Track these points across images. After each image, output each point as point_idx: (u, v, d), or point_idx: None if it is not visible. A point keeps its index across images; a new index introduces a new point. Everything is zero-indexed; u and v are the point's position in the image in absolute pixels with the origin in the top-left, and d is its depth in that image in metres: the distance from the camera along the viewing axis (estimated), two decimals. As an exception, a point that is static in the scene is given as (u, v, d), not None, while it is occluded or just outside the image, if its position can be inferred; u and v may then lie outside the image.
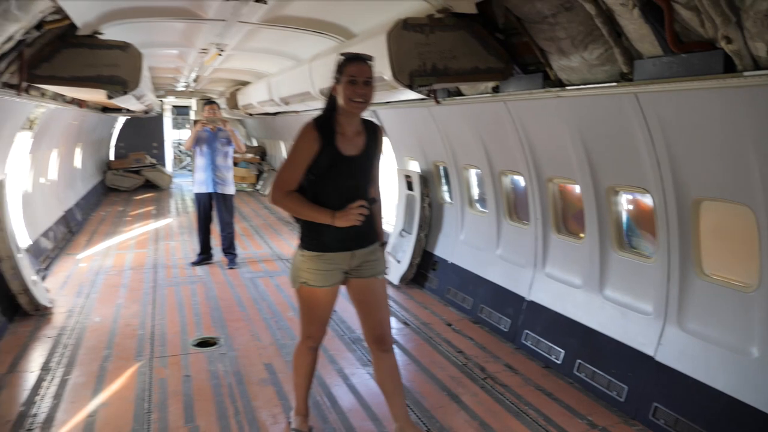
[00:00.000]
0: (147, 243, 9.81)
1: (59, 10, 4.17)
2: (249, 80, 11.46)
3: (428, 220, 7.11)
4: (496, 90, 4.93)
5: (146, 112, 11.36)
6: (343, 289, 3.50)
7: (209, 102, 8.27)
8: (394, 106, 6.69)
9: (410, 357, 5.01)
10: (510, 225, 5.75)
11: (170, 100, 19.23)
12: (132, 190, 17.04)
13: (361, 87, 3.14)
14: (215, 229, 8.18)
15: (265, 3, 4.99)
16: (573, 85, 4.11)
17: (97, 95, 6.45)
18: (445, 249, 6.84)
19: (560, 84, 4.21)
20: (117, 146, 18.94)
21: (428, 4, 4.50)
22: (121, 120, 17.34)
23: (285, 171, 3.22)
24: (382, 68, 4.21)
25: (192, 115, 19.50)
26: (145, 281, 7.36)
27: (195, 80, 11.86)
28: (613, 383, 4.10)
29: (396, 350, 3.54)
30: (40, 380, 4.50)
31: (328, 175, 3.20)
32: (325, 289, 3.34)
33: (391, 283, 6.93)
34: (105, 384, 4.44)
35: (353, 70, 3.14)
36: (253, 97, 11.11)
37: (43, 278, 7.12)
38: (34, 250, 7.58)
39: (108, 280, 7.39)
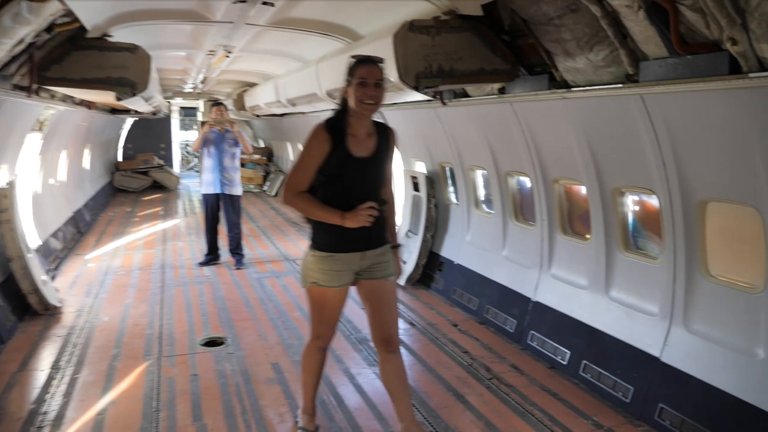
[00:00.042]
0: (155, 243, 9.88)
1: (69, 13, 4.22)
2: (256, 82, 11.52)
3: (434, 220, 7.13)
4: (502, 91, 4.95)
5: (154, 113, 11.44)
6: (351, 289, 3.52)
7: (217, 103, 8.32)
8: (400, 107, 6.71)
9: (416, 357, 5.03)
10: (516, 226, 5.76)
11: (178, 102, 19.38)
12: (140, 191, 17.13)
13: (372, 89, 3.17)
14: (222, 229, 8.23)
15: (273, 5, 5.04)
16: (579, 86, 4.13)
17: (106, 97, 6.53)
18: (451, 250, 6.86)
19: (566, 85, 4.23)
20: (125, 147, 19.05)
21: (434, 6, 4.53)
22: (129, 121, 17.45)
23: (296, 172, 3.26)
24: (388, 70, 4.20)
25: (199, 117, 19.62)
26: (153, 281, 7.42)
27: (202, 82, 11.94)
28: (619, 384, 4.11)
29: (402, 350, 3.56)
30: (50, 378, 4.55)
31: (338, 176, 3.23)
32: (335, 290, 3.36)
33: (397, 284, 6.94)
34: (114, 382, 4.48)
35: (364, 72, 3.17)
36: (260, 98, 11.18)
37: (53, 278, 7.19)
38: (44, 251, 7.65)
39: (116, 280, 7.45)
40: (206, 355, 5.06)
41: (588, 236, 4.79)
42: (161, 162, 18.70)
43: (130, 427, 3.82)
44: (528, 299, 5.34)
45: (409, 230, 7.44)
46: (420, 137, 7.12)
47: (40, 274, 6.13)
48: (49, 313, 5.99)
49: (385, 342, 3.45)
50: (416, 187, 7.33)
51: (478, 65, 4.52)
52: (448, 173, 7.04)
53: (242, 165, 10.13)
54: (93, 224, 11.63)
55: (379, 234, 3.42)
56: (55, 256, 8.16)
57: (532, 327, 5.16)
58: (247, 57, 8.29)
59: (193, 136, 21.97)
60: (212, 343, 5.34)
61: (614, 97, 3.84)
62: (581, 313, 4.71)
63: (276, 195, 16.15)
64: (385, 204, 3.43)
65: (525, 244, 5.56)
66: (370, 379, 4.55)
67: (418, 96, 5.06)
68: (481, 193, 6.52)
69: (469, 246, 6.54)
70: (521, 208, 5.78)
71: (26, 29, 3.94)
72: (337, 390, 4.36)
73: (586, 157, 4.40)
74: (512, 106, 4.96)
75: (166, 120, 19.65)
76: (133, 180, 17.32)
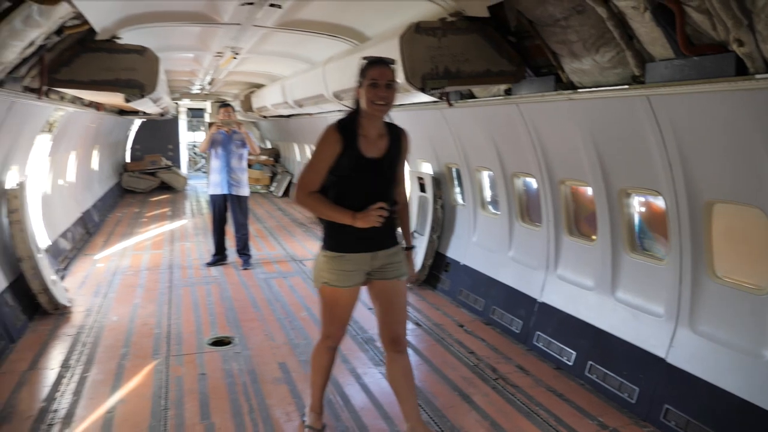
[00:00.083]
0: (163, 244, 9.94)
1: (79, 16, 4.27)
2: (263, 83, 11.57)
3: (441, 221, 7.14)
4: (508, 92, 4.96)
5: (162, 114, 11.50)
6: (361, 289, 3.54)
7: (224, 105, 8.36)
8: (406, 108, 6.73)
9: (422, 357, 5.05)
10: (522, 227, 5.77)
11: (185, 103, 19.46)
12: (148, 192, 17.22)
13: (383, 90, 3.19)
14: (230, 230, 8.27)
15: (280, 7, 5.07)
16: (585, 87, 4.13)
17: (115, 98, 6.58)
18: (457, 250, 6.87)
19: (572, 86, 4.24)
20: (133, 148, 19.16)
21: (441, 7, 4.55)
22: (137, 122, 17.54)
23: (308, 172, 3.29)
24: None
25: (207, 118, 19.69)
26: (161, 281, 7.47)
27: (210, 83, 12.00)
28: (625, 385, 4.11)
29: (408, 351, 3.57)
30: (60, 377, 4.60)
31: (349, 176, 3.25)
32: (346, 290, 3.38)
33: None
34: (123, 381, 4.52)
35: (375, 73, 3.20)
36: (267, 99, 11.23)
37: (62, 278, 7.25)
38: (53, 251, 7.71)
39: (125, 280, 7.50)
40: (214, 354, 5.09)
41: (594, 237, 4.80)
42: (169, 163, 18.79)
43: (139, 426, 3.86)
44: (534, 300, 5.35)
45: (415, 231, 7.46)
46: (426, 138, 7.14)
47: (49, 274, 6.19)
48: (58, 312, 6.05)
49: (393, 342, 3.47)
50: (423, 188, 7.35)
51: (484, 66, 4.53)
52: (454, 174, 7.05)
53: (249, 166, 10.16)
54: (101, 225, 11.71)
55: (391, 234, 3.44)
56: (64, 257, 8.23)
57: (538, 328, 5.17)
58: (255, 58, 8.34)
59: (200, 137, 22.09)
60: (220, 342, 5.37)
61: (620, 99, 3.85)
62: (587, 314, 4.71)
63: (283, 196, 16.21)
64: (396, 204, 3.46)
65: (531, 245, 5.57)
66: (376, 378, 4.57)
67: (424, 97, 5.07)
68: (488, 194, 6.53)
69: (475, 247, 6.55)
70: (527, 209, 5.79)
71: (37, 32, 3.99)
72: (343, 389, 4.39)
73: (593, 159, 4.41)
74: (518, 107, 4.97)
75: (174, 121, 19.74)
76: (141, 181, 17.41)
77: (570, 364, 4.66)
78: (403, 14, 4.95)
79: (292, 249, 9.46)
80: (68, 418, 3.95)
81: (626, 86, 3.70)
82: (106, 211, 13.19)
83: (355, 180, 3.27)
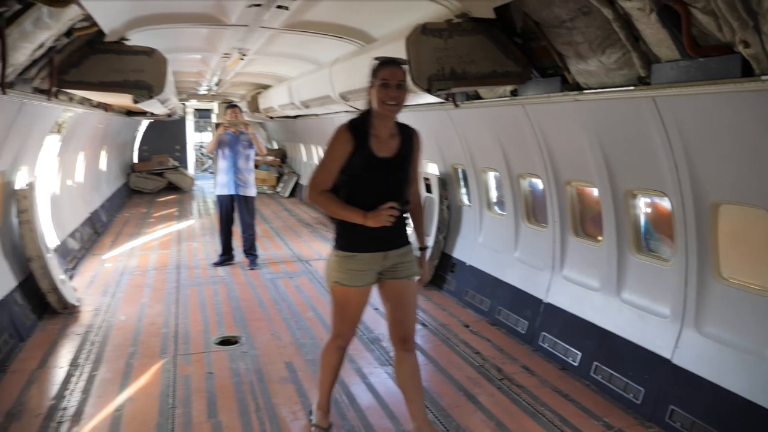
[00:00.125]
0: (170, 244, 10.00)
1: (88, 18, 4.30)
2: (270, 84, 11.61)
3: (447, 222, 7.16)
4: (514, 93, 4.97)
5: (169, 115, 11.56)
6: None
7: (231, 105, 8.40)
8: (413, 109, 6.75)
9: (428, 357, 5.06)
10: (528, 228, 5.78)
11: (192, 104, 19.54)
12: (155, 192, 17.32)
13: (394, 90, 3.22)
14: (237, 230, 8.31)
15: (287, 9, 5.09)
16: (591, 88, 4.14)
17: (123, 99, 6.61)
18: (463, 251, 6.88)
19: (578, 88, 4.24)
20: (140, 149, 19.24)
21: (447, 9, 4.56)
22: (145, 123, 17.64)
23: (320, 171, 3.32)
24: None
25: (214, 119, 19.77)
26: (169, 281, 7.52)
27: (217, 84, 12.05)
28: (630, 385, 4.11)
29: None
30: (69, 375, 4.64)
31: (361, 176, 3.28)
32: (357, 289, 3.40)
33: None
34: (131, 380, 4.56)
35: (386, 73, 3.22)
36: (274, 100, 11.27)
37: (71, 278, 7.31)
38: (62, 251, 7.77)
39: (132, 280, 7.56)
40: (221, 353, 5.13)
41: (600, 238, 4.80)
42: (176, 163, 18.87)
43: (147, 424, 3.89)
44: (540, 301, 5.36)
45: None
46: (432, 139, 7.15)
47: (58, 274, 6.24)
48: (67, 311, 6.10)
49: (402, 340, 3.49)
50: (429, 189, 7.36)
51: (490, 68, 4.54)
52: (460, 175, 7.06)
53: (256, 166, 10.21)
54: (109, 225, 11.79)
55: (402, 234, 3.47)
56: (72, 256, 8.29)
57: (544, 328, 5.17)
58: (262, 59, 8.38)
59: (207, 137, 22.18)
60: (227, 342, 5.41)
61: (626, 100, 3.85)
62: (593, 315, 4.71)
63: (289, 196, 16.26)
64: (408, 204, 3.48)
65: (537, 245, 5.58)
66: (382, 378, 4.59)
67: (430, 98, 5.09)
68: (494, 194, 6.54)
69: (481, 247, 6.56)
70: (533, 209, 5.80)
71: (47, 34, 4.03)
72: (349, 389, 4.41)
73: (599, 159, 4.42)
74: (524, 108, 4.98)
75: (181, 122, 19.81)
76: (149, 181, 17.51)
77: (575, 364, 4.67)
78: (409, 15, 4.97)
79: (298, 249, 9.50)
80: (77, 416, 3.99)
81: (632, 87, 3.71)
82: (114, 212, 13.27)
83: (366, 179, 3.29)
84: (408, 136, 3.42)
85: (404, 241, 3.49)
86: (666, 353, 3.95)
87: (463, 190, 7.09)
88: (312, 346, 5.25)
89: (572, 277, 5.09)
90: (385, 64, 3.27)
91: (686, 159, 3.62)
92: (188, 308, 6.39)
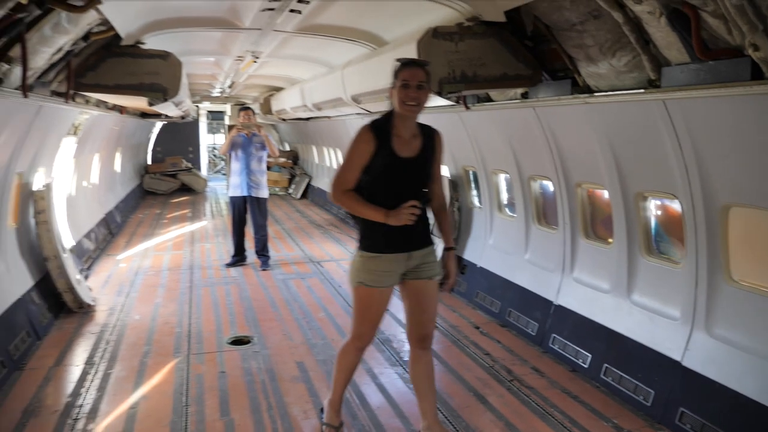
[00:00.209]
0: (183, 245, 10.10)
1: (105, 22, 4.40)
2: (282, 86, 11.69)
3: (457, 224, 7.18)
4: (525, 96, 4.99)
5: (183, 117, 11.68)
6: None
7: (244, 108, 8.48)
8: (424, 111, 6.76)
9: (438, 358, 5.08)
10: (538, 230, 5.79)
11: (206, 106, 19.70)
12: (168, 194, 17.48)
13: (414, 90, 3.26)
14: (249, 231, 8.39)
15: (300, 12, 5.15)
16: (601, 91, 4.15)
17: (139, 102, 6.71)
18: (474, 253, 6.90)
19: (588, 90, 4.26)
20: (154, 151, 19.44)
21: (458, 12, 4.59)
22: (159, 125, 17.81)
23: (343, 171, 3.36)
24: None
25: (227, 120, 19.91)
26: (182, 281, 7.60)
27: (230, 86, 12.15)
28: (640, 387, 4.12)
29: (425, 351, 3.62)
30: (84, 374, 4.72)
31: (383, 175, 3.32)
32: (380, 290, 3.44)
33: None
34: (145, 378, 4.64)
35: (406, 74, 3.27)
36: (287, 102, 11.34)
37: (86, 277, 7.42)
38: (78, 251, 7.88)
39: (147, 280, 7.65)
40: (233, 353, 5.19)
41: (610, 240, 4.80)
42: (189, 165, 19.04)
43: (161, 421, 3.96)
44: (550, 302, 5.37)
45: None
46: (444, 141, 7.16)
47: (74, 274, 6.34)
48: (83, 311, 6.20)
49: (421, 339, 3.53)
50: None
51: (501, 71, 4.57)
52: (471, 177, 7.08)
53: (268, 168, 10.29)
54: (124, 226, 11.93)
55: (425, 234, 3.51)
56: (88, 256, 8.41)
57: (554, 330, 5.18)
58: (274, 62, 8.45)
59: (220, 139, 22.35)
60: (239, 341, 5.47)
61: (637, 102, 3.87)
62: (603, 317, 4.72)
63: (301, 198, 16.34)
64: (430, 203, 3.52)
65: (547, 247, 5.59)
66: (392, 378, 4.63)
67: (441, 100, 5.12)
68: (504, 196, 6.56)
69: (491, 249, 6.58)
70: (544, 211, 5.81)
71: (65, 38, 4.13)
72: (360, 389, 4.45)
73: (609, 162, 4.43)
74: (535, 111, 5.00)
75: (194, 124, 19.98)
76: (162, 183, 17.68)
77: (585, 366, 4.67)
78: (420, 19, 5.00)
79: (310, 250, 9.56)
80: (93, 413, 4.06)
81: (642, 90, 3.72)
82: (128, 212, 13.42)
83: (388, 179, 3.33)
84: (430, 137, 3.46)
85: (428, 241, 3.53)
86: (676, 355, 3.95)
87: (474, 192, 7.11)
88: (323, 346, 5.30)
89: (582, 279, 5.09)
90: (406, 65, 3.31)
91: (696, 161, 3.62)
92: (201, 308, 6.46)
